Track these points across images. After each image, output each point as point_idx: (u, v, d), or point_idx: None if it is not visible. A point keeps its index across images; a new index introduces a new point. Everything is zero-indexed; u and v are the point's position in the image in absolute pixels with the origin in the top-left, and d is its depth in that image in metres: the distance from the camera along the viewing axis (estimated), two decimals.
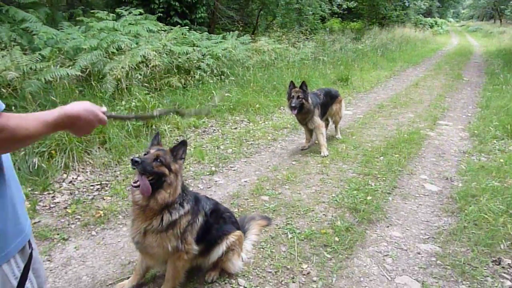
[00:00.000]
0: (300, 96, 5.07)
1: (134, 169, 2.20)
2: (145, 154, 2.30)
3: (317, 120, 5.33)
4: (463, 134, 6.42)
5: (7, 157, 1.29)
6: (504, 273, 2.95)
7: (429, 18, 40.09)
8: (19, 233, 1.28)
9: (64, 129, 1.33)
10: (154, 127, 5.53)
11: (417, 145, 5.68)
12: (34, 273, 1.36)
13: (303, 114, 5.23)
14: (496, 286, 2.78)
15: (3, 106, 1.10)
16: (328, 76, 10.41)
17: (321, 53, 12.48)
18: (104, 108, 1.46)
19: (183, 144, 2.39)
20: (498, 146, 5.66)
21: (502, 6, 40.14)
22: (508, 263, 3.05)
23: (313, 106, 5.27)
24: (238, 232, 2.79)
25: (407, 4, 25.83)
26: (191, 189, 4.15)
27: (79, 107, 1.33)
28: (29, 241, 1.34)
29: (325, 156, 5.18)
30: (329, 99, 5.80)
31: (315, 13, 17.49)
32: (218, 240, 2.66)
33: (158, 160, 2.25)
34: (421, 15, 35.11)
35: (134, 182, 2.21)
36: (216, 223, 2.67)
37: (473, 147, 5.69)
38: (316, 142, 5.52)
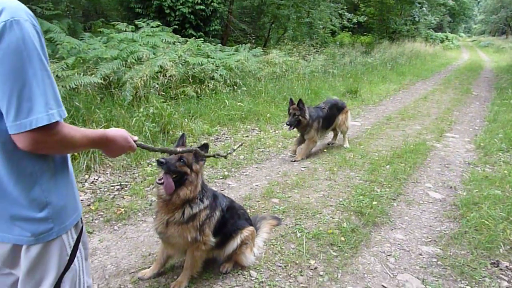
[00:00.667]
0: (297, 114, 5.46)
1: (160, 168, 2.45)
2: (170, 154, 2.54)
3: (313, 133, 5.70)
4: (469, 146, 6.58)
5: None
6: (502, 274, 3.12)
7: (440, 33, 40.28)
8: (75, 210, 1.54)
9: (100, 147, 1.59)
10: (170, 132, 5.80)
11: (423, 156, 5.86)
12: (83, 245, 1.61)
13: (301, 128, 5.62)
14: (493, 286, 2.95)
15: (66, 114, 1.34)
16: (337, 88, 10.66)
17: (331, 66, 12.76)
18: (136, 138, 1.72)
19: (205, 146, 2.62)
20: (503, 158, 5.81)
21: None
22: (506, 266, 3.22)
23: (312, 120, 5.63)
24: (251, 228, 3.02)
25: (417, 19, 26.06)
26: None
27: (117, 133, 1.60)
28: (81, 218, 1.60)
29: (296, 160, 5.54)
30: (335, 111, 6.15)
31: (326, 26, 17.84)
32: (233, 234, 2.89)
33: (181, 160, 2.49)
34: (432, 30, 35.33)
35: (159, 180, 2.47)
36: (232, 219, 2.91)
37: (478, 159, 5.85)
38: (300, 147, 5.81)
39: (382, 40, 23.18)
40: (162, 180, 2.46)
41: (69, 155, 1.57)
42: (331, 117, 6.06)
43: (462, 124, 8.15)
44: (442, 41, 37.12)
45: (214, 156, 2.68)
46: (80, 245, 1.58)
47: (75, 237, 1.54)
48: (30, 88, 1.22)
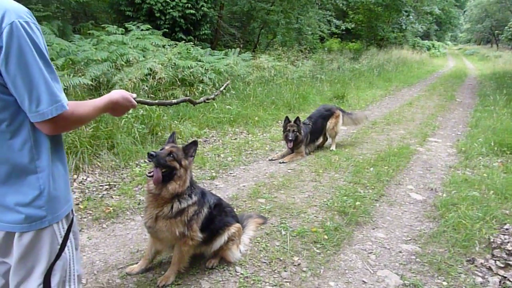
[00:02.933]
0: (295, 130, 5.80)
1: (150, 161, 2.54)
2: (161, 150, 2.65)
3: (302, 148, 6.06)
4: (451, 150, 6.77)
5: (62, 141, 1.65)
6: (477, 271, 3.25)
7: (427, 41, 41.01)
8: (67, 201, 1.63)
9: (107, 111, 1.75)
10: (159, 134, 5.87)
11: (406, 159, 6.03)
12: (73, 235, 1.69)
13: (295, 144, 5.92)
14: (468, 282, 3.08)
15: (67, 100, 1.47)
16: (325, 93, 10.84)
17: (319, 72, 12.96)
18: (134, 95, 1.86)
19: (194, 143, 2.75)
20: (483, 162, 6.00)
21: (497, 31, 41.13)
22: (481, 263, 3.36)
23: (303, 137, 5.98)
24: (237, 225, 3.12)
25: (404, 26, 26.54)
26: None
27: (119, 94, 1.75)
28: (72, 209, 1.68)
29: (284, 162, 5.74)
30: (322, 121, 6.47)
31: (314, 33, 18.08)
32: (220, 231, 2.99)
33: (171, 155, 2.60)
34: (419, 38, 35.97)
35: (149, 172, 2.59)
36: (219, 215, 3.01)
37: (459, 162, 6.03)
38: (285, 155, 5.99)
39: (370, 47, 23.56)
40: (152, 173, 2.56)
41: (64, 148, 1.65)
42: (317, 130, 6.39)
43: (445, 129, 8.36)
44: (428, 49, 37.80)
45: (205, 101, 2.81)
46: (71, 235, 1.66)
47: (65, 227, 1.62)
48: (40, 85, 1.36)
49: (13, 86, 1.34)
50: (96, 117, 1.71)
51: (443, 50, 43.27)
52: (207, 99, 2.79)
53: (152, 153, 2.50)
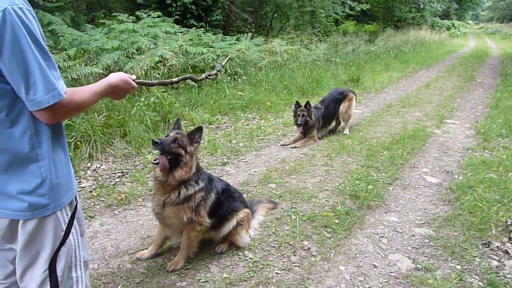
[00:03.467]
0: (305, 115, 5.74)
1: (155, 149, 2.54)
2: (165, 136, 2.64)
3: (315, 133, 5.98)
4: (469, 132, 6.60)
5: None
6: (492, 254, 3.18)
7: (447, 20, 39.76)
8: (70, 189, 1.63)
9: (107, 95, 1.72)
10: (171, 121, 5.89)
11: (422, 142, 5.89)
12: (77, 221, 1.69)
13: (306, 129, 5.85)
14: (483, 265, 3.01)
15: (66, 88, 1.45)
16: (339, 77, 10.66)
17: (333, 55, 12.74)
18: (134, 76, 1.83)
19: (199, 129, 2.73)
20: (502, 143, 5.83)
21: None
22: (497, 246, 3.28)
23: (315, 121, 5.90)
24: (246, 210, 3.12)
25: (422, 6, 25.76)
26: None
27: (118, 77, 1.72)
28: (75, 196, 1.68)
29: (296, 147, 5.70)
30: (335, 105, 6.35)
31: (328, 15, 17.73)
32: (229, 216, 2.99)
33: (176, 142, 2.58)
34: (438, 18, 34.90)
35: (154, 160, 2.58)
36: (227, 201, 3.01)
37: (477, 144, 5.87)
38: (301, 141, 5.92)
39: (386, 29, 22.99)
40: (157, 161, 2.56)
41: (65, 136, 1.65)
42: (329, 114, 6.29)
43: (463, 111, 8.14)
44: (448, 29, 36.66)
45: (206, 77, 2.77)
46: (75, 222, 1.67)
47: (69, 214, 1.63)
48: (35, 72, 1.34)
49: (9, 74, 1.33)
50: (95, 102, 1.67)
51: (463, 29, 41.93)
52: (209, 75, 2.76)
53: (157, 140, 2.49)
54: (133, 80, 1.80)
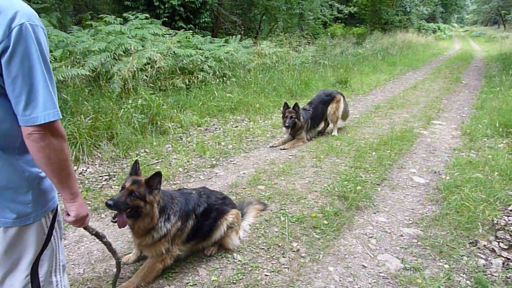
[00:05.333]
0: (293, 116, 5.76)
1: (111, 209, 2.47)
2: (122, 188, 2.53)
3: (303, 135, 6.03)
4: (455, 133, 6.67)
5: None
6: (480, 253, 3.20)
7: (433, 24, 40.31)
8: (53, 197, 1.61)
9: (70, 191, 1.57)
10: (159, 123, 5.85)
11: (409, 142, 5.94)
12: (58, 224, 1.66)
13: (295, 130, 5.89)
14: (470, 264, 3.04)
15: (61, 115, 1.43)
16: (328, 79, 10.71)
17: (321, 57, 12.80)
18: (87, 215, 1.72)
19: (158, 175, 2.59)
20: (488, 144, 5.90)
21: (504, 12, 40.31)
22: (484, 245, 3.31)
23: (303, 123, 5.92)
24: (234, 211, 3.10)
25: (408, 9, 26.08)
26: (192, 180, 4.46)
27: (83, 210, 1.64)
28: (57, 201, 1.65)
29: (285, 149, 5.69)
30: (323, 106, 6.38)
31: (316, 18, 17.83)
32: (218, 222, 2.98)
33: (133, 194, 2.47)
34: (424, 21, 35.38)
35: (113, 218, 2.46)
36: (213, 212, 2.99)
37: (464, 144, 5.93)
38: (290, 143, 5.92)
39: (374, 31, 23.19)
40: (116, 219, 2.46)
41: None
42: (317, 116, 6.32)
43: (450, 112, 8.23)
44: (434, 32, 37.18)
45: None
46: (56, 225, 1.64)
47: (51, 216, 1.60)
48: (39, 88, 1.34)
49: (12, 85, 1.31)
50: (65, 172, 1.50)
51: (449, 32, 42.52)
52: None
53: (110, 202, 2.37)
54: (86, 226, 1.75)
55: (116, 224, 2.47)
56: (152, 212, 2.56)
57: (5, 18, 1.28)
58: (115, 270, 2.72)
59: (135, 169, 2.64)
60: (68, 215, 1.61)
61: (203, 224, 2.91)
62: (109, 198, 2.51)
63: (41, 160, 1.41)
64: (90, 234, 1.94)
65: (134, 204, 2.48)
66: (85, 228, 1.80)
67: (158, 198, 2.61)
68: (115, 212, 2.46)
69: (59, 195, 1.61)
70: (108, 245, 2.09)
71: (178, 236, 2.75)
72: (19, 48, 1.28)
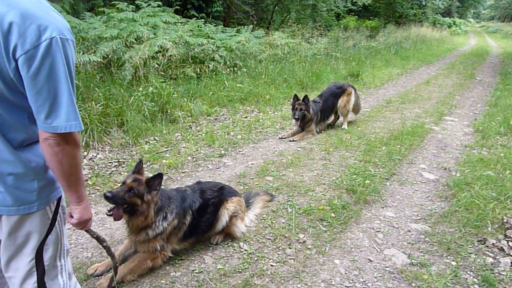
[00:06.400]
0: (303, 108, 5.73)
1: (108, 202, 2.46)
2: (122, 184, 2.55)
3: (313, 127, 6.00)
4: (467, 129, 6.58)
5: None
6: (488, 251, 3.18)
7: (448, 18, 39.59)
8: (59, 186, 1.61)
9: (78, 196, 1.61)
10: (169, 112, 5.86)
11: (420, 138, 5.88)
12: (62, 209, 1.67)
13: (304, 122, 5.86)
14: (478, 262, 3.01)
15: (83, 127, 1.46)
16: (339, 72, 10.62)
17: (334, 49, 12.66)
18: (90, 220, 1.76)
19: (159, 176, 2.61)
20: (501, 141, 5.83)
21: None
22: (493, 243, 3.27)
23: (313, 115, 5.89)
24: (235, 198, 3.11)
25: (424, 3, 25.61)
26: (200, 169, 4.48)
27: (86, 213, 1.68)
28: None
29: (294, 140, 5.68)
30: (333, 99, 6.33)
31: (329, 9, 17.62)
32: (219, 212, 3.00)
33: (132, 191, 2.48)
34: (439, 15, 34.74)
35: (109, 211, 2.48)
36: (212, 206, 3.00)
37: (476, 142, 5.86)
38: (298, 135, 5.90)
39: (388, 25, 22.84)
40: (111, 212, 2.47)
41: None
42: (327, 108, 6.27)
43: (462, 108, 8.12)
44: (449, 26, 36.50)
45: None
46: (60, 209, 1.65)
47: (55, 203, 1.61)
48: (63, 100, 1.36)
49: (35, 97, 1.32)
50: (76, 178, 1.54)
51: (464, 27, 41.77)
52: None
53: (108, 194, 2.39)
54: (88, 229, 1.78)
55: (111, 216, 2.49)
56: (148, 212, 2.57)
57: (37, 28, 1.28)
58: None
59: (138, 168, 2.66)
60: (72, 217, 1.64)
61: (200, 221, 2.91)
62: (108, 190, 2.50)
63: (53, 164, 1.44)
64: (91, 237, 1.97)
65: (131, 201, 2.49)
66: (86, 231, 1.83)
67: (156, 199, 2.62)
68: (112, 206, 2.48)
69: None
70: (107, 249, 2.10)
71: (174, 234, 2.75)
72: (46, 61, 1.29)
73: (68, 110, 1.36)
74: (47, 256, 1.58)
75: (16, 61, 1.27)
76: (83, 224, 1.68)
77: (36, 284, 1.57)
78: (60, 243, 1.65)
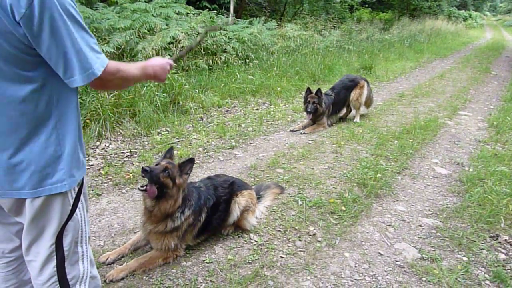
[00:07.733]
0: (315, 102, 5.70)
1: (144, 176, 2.47)
2: (156, 165, 2.56)
3: (324, 120, 5.97)
4: (481, 124, 6.49)
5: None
6: (500, 247, 3.14)
7: (464, 11, 38.85)
8: (82, 170, 1.63)
9: (149, 76, 1.74)
10: (180, 103, 5.88)
11: (433, 132, 5.81)
12: (84, 196, 1.69)
13: (316, 115, 5.82)
14: (490, 258, 2.98)
15: (107, 60, 1.46)
16: (352, 64, 10.52)
17: (346, 42, 12.54)
18: (168, 59, 1.88)
19: (191, 161, 2.63)
20: None
21: None
22: (505, 239, 3.24)
23: (324, 108, 5.85)
24: (246, 192, 3.11)
25: None
26: (211, 160, 4.50)
27: (155, 60, 1.78)
28: None
29: (305, 133, 5.68)
30: (346, 92, 6.28)
31: (343, 1, 17.42)
32: (231, 206, 3.01)
33: (166, 172, 2.49)
34: (455, 8, 34.11)
35: (141, 186, 2.51)
36: (217, 211, 2.99)
37: (490, 137, 5.77)
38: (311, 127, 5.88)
39: (402, 17, 22.51)
40: (145, 187, 2.49)
41: (79, 117, 1.64)
42: (340, 101, 6.23)
43: (477, 103, 8.00)
44: (465, 20, 35.84)
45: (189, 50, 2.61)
46: (82, 197, 1.66)
47: (76, 188, 1.62)
48: (72, 55, 1.36)
49: (48, 55, 1.34)
50: (138, 79, 1.70)
51: (480, 21, 41.02)
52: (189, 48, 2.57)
53: (147, 168, 2.41)
54: (171, 58, 1.86)
55: (142, 192, 2.53)
56: (177, 195, 2.58)
57: None
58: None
59: (169, 154, 2.70)
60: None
61: (212, 218, 2.91)
62: (146, 165, 2.54)
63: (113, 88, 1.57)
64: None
65: (164, 181, 2.49)
66: (179, 57, 2.02)
67: (185, 185, 2.64)
68: (143, 184, 2.52)
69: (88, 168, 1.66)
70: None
71: (189, 231, 2.76)
72: (45, 19, 1.27)
73: (80, 61, 1.37)
74: (66, 241, 1.60)
75: (20, 25, 1.27)
76: (165, 69, 1.80)
77: (55, 269, 1.60)
78: (82, 230, 1.67)
